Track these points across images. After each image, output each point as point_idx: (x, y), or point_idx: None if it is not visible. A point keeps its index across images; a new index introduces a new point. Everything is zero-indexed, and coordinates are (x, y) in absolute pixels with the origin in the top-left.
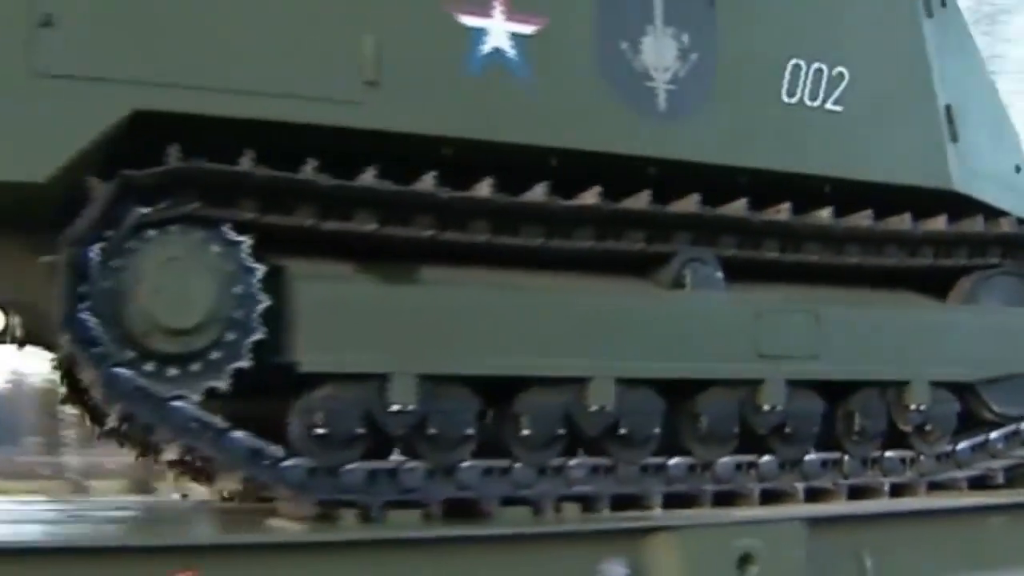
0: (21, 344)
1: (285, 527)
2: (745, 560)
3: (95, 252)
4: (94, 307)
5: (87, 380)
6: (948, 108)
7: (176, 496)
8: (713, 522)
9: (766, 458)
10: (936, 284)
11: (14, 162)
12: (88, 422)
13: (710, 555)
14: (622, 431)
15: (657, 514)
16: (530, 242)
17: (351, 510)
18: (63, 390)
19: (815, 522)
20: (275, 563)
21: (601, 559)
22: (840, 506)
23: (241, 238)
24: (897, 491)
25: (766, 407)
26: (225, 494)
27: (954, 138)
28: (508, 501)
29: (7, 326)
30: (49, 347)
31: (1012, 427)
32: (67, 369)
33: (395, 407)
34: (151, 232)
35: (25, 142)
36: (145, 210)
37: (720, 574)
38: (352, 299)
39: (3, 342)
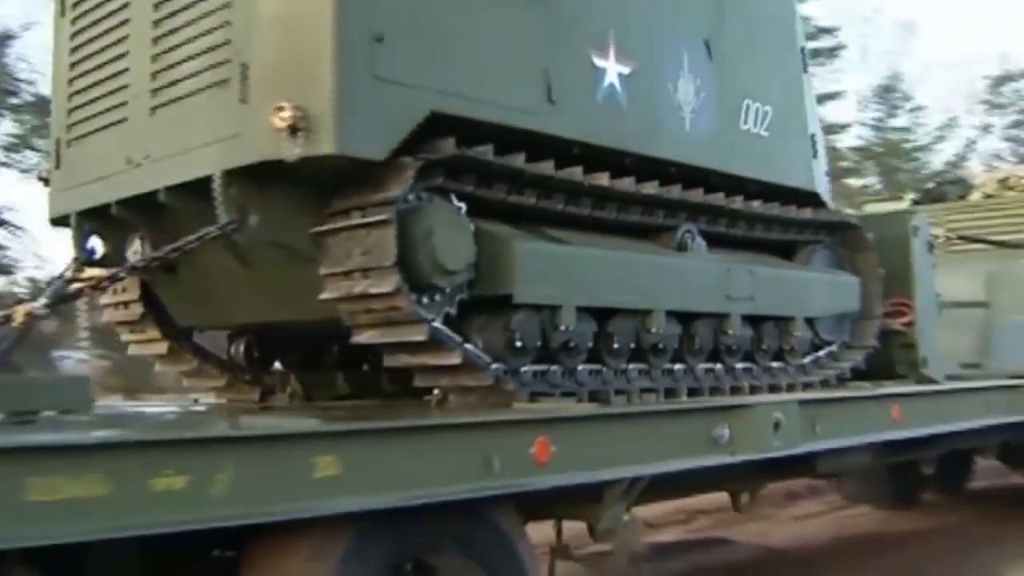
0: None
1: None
2: (776, 426)
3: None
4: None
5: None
6: (813, 135)
7: (193, 400)
8: (755, 403)
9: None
10: (784, 253)
11: (363, 143)
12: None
13: (760, 423)
14: (661, 346)
15: (726, 398)
16: (609, 215)
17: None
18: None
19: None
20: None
21: (714, 427)
22: (796, 394)
23: (460, 204)
24: (775, 389)
25: (730, 332)
26: (255, 398)
27: (815, 155)
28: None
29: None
30: None
31: (830, 348)
32: None
33: (561, 327)
34: (422, 198)
35: (371, 129)
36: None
37: (766, 435)
38: (543, 253)
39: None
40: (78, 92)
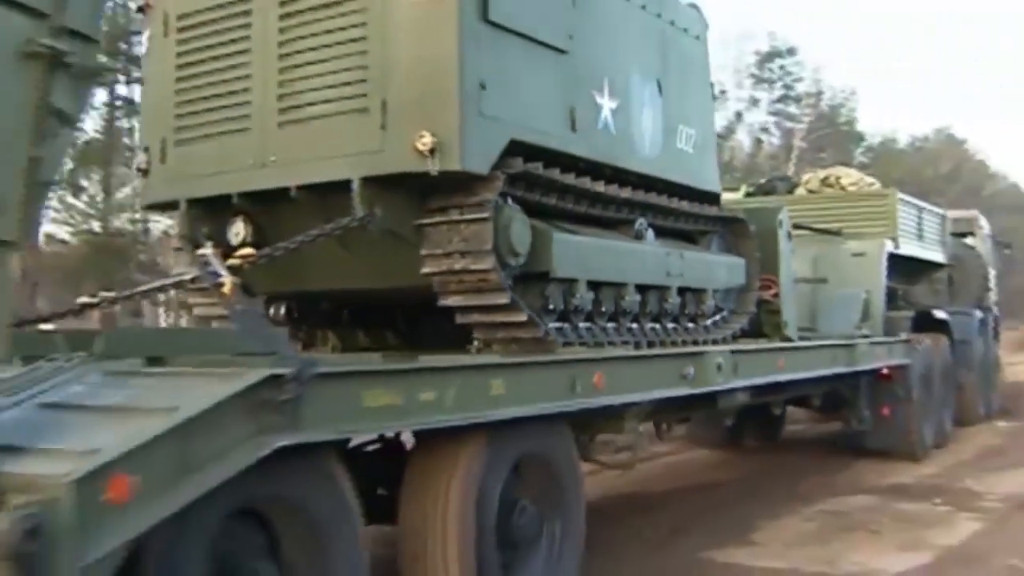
0: None
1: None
2: (719, 368)
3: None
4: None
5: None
6: (719, 147)
7: None
8: (707, 351)
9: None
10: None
11: (476, 162)
12: None
13: (711, 365)
14: (628, 310)
15: (691, 348)
16: (594, 212)
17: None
18: None
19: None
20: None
21: (684, 367)
22: (728, 346)
23: (516, 206)
24: (694, 343)
25: (669, 300)
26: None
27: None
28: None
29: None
30: None
31: (723, 314)
32: None
33: (577, 295)
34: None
35: (479, 152)
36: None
37: (713, 373)
38: (568, 241)
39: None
40: (187, 102)
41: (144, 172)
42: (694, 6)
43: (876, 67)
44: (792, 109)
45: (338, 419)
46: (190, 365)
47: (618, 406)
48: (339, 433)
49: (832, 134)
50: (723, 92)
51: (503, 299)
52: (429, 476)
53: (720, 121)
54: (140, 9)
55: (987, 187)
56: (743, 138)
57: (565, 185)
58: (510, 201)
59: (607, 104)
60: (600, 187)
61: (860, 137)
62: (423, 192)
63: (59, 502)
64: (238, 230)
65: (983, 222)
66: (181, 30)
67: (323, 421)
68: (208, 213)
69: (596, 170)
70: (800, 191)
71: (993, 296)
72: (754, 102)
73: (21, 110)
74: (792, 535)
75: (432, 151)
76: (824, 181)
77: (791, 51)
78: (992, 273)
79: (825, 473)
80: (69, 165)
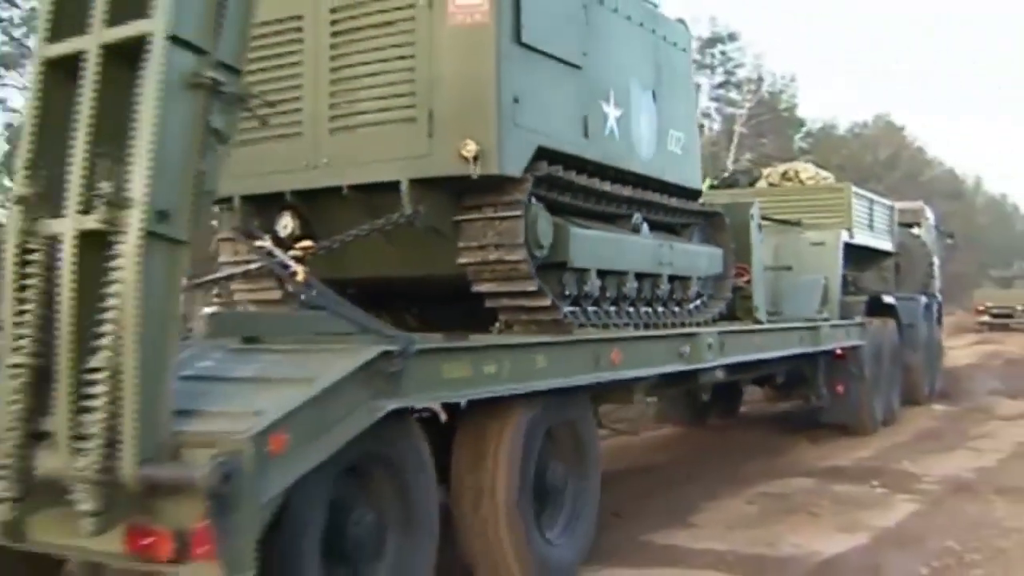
0: None
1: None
2: (709, 346)
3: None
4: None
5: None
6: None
7: None
8: (700, 332)
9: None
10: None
11: (511, 166)
12: None
13: (703, 344)
14: (628, 296)
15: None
16: (599, 208)
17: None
18: None
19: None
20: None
21: (681, 346)
22: (716, 327)
23: (540, 204)
24: (682, 326)
25: (661, 287)
26: None
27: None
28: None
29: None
30: None
31: (703, 299)
32: None
33: (588, 283)
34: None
35: (514, 157)
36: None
37: (705, 351)
38: (582, 235)
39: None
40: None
41: None
42: (681, 21)
43: (816, 54)
44: (733, 95)
45: (426, 388)
46: (281, 344)
47: (629, 380)
48: (429, 400)
49: (773, 120)
50: None
51: (532, 286)
52: (481, 441)
53: None
54: None
55: (925, 173)
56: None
57: (579, 185)
58: (535, 200)
59: (612, 113)
60: (607, 187)
61: (800, 123)
62: (460, 192)
63: (242, 453)
64: (286, 223)
65: (928, 213)
66: None
67: (417, 389)
68: (258, 208)
69: (602, 171)
70: (762, 184)
71: (937, 283)
72: (695, 88)
73: (188, 131)
74: (733, 517)
75: (475, 157)
76: (784, 175)
77: (732, 37)
78: (936, 261)
79: (769, 455)
80: None
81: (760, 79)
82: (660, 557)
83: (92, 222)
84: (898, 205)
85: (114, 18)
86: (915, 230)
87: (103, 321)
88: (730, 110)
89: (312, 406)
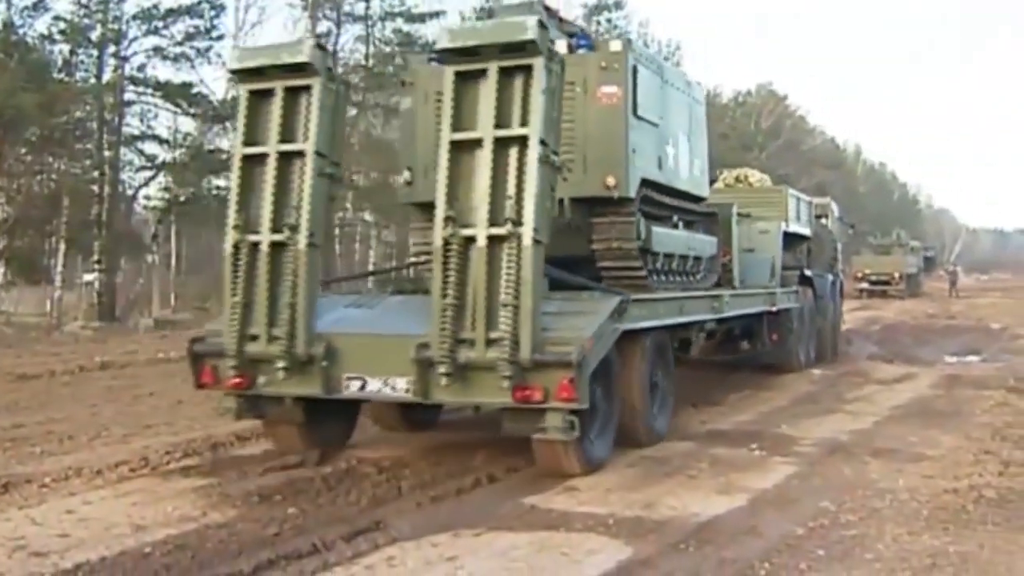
0: None
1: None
2: (726, 303)
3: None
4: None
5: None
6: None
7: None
8: (721, 293)
9: None
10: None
11: (631, 190)
12: None
13: (723, 301)
14: (665, 270)
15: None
16: (661, 213)
17: None
18: None
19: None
20: None
21: (714, 303)
22: (727, 290)
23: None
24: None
25: (688, 263)
26: None
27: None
28: None
29: None
30: None
31: (703, 272)
32: None
33: (659, 262)
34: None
35: (634, 184)
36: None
37: (723, 306)
38: (661, 232)
39: None
40: (431, 147)
41: (409, 183)
42: (699, 83)
43: (701, 22)
44: None
45: (631, 320)
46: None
47: (696, 321)
48: (632, 325)
49: None
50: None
51: (637, 263)
52: (627, 356)
53: None
54: (402, 83)
55: (806, 142)
56: None
57: (656, 200)
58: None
59: (671, 152)
60: (668, 200)
61: None
62: (592, 205)
63: (584, 346)
64: None
65: (834, 207)
66: (436, 102)
67: (630, 320)
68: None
69: (663, 190)
70: (719, 185)
71: (839, 264)
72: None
73: (545, 184)
74: (614, 481)
75: (616, 185)
76: (736, 179)
77: (618, 4)
78: (839, 246)
79: None
80: None
81: (645, 47)
82: (540, 520)
83: (496, 230)
84: (814, 201)
85: (499, 123)
86: (823, 220)
87: (508, 283)
88: None
89: (600, 326)
